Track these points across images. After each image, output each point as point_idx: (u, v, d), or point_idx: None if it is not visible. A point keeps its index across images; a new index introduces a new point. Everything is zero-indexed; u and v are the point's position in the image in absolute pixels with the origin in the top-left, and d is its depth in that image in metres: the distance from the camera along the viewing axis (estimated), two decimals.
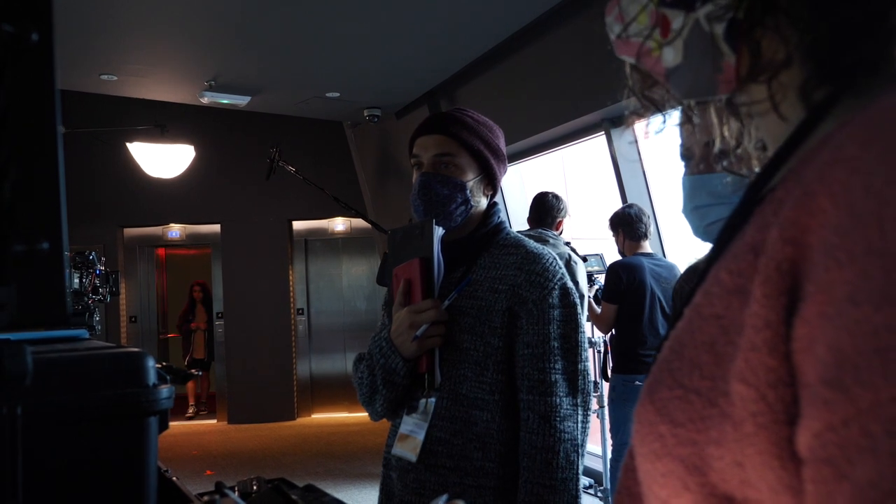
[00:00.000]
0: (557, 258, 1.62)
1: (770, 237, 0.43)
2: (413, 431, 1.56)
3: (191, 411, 9.57)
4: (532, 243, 1.64)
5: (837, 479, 0.34)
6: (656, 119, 0.63)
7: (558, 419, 1.49)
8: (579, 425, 1.52)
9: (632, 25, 0.58)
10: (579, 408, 1.52)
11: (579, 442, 1.51)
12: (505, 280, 1.56)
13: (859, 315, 0.35)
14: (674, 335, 0.51)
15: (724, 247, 0.50)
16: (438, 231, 1.56)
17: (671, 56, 0.56)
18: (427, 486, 1.52)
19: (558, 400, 1.50)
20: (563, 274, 1.58)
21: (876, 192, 0.37)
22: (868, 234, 0.36)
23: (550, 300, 1.53)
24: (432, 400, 1.55)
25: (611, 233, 4.22)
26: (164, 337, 10.44)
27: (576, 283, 3.57)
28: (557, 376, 1.51)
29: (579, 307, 1.60)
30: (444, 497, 0.61)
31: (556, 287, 1.55)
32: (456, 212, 1.61)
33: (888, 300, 0.34)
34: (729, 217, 0.51)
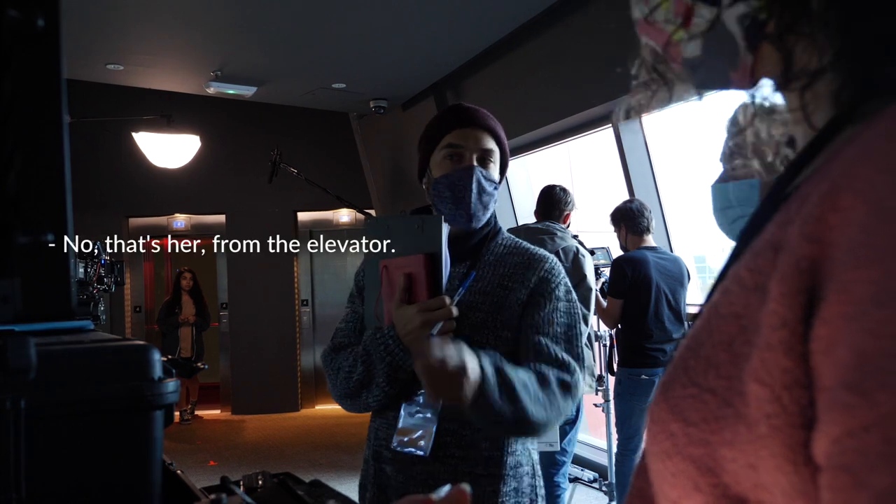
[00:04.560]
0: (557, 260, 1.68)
1: (790, 234, 0.41)
2: (418, 425, 1.55)
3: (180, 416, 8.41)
4: (528, 244, 1.68)
5: (856, 486, 0.33)
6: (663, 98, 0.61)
7: (544, 379, 1.50)
8: (566, 404, 1.52)
9: (657, 10, 0.56)
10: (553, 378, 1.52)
11: (563, 411, 1.51)
12: (514, 278, 1.59)
13: (883, 316, 0.33)
14: (691, 333, 0.50)
15: (746, 244, 0.48)
16: (446, 227, 1.55)
17: (691, 48, 0.55)
18: (438, 478, 1.52)
19: (545, 368, 1.51)
20: (564, 273, 1.65)
21: None
22: (894, 233, 0.35)
23: (557, 293, 1.59)
24: None
25: (612, 227, 4.22)
26: (149, 328, 9.27)
27: (583, 276, 3.56)
28: (558, 351, 1.53)
29: (582, 304, 1.63)
30: (447, 487, 0.60)
31: (562, 283, 1.62)
32: (490, 211, 1.64)
33: None
34: (752, 214, 0.50)
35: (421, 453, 1.53)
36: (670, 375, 0.50)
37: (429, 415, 1.54)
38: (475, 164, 1.59)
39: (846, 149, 0.42)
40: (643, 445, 0.54)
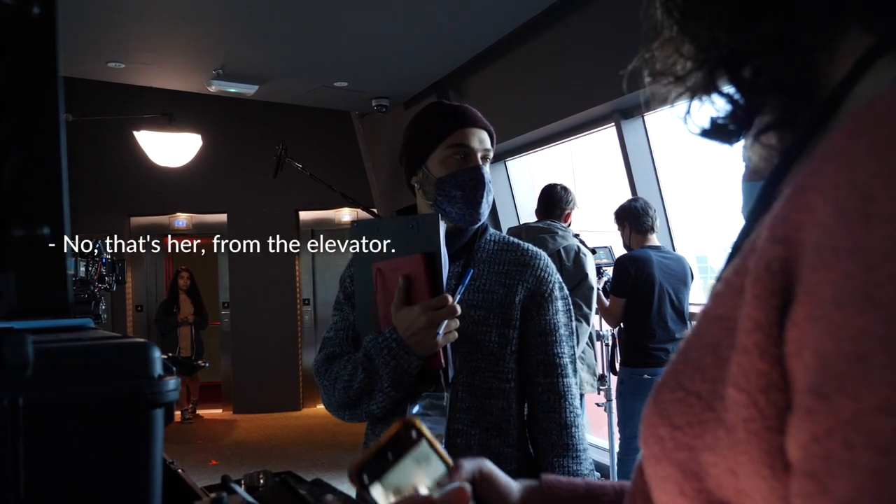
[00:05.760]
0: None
1: (761, 235, 0.41)
2: (428, 427, 1.53)
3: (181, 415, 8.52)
4: (516, 241, 1.70)
5: (820, 493, 0.32)
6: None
7: (571, 397, 1.62)
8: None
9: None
10: (574, 385, 1.66)
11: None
12: (512, 275, 1.61)
13: (842, 318, 0.33)
14: (685, 337, 0.50)
15: (740, 245, 0.48)
16: (443, 225, 1.53)
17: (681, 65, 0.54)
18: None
19: (569, 380, 1.63)
20: (555, 269, 1.71)
21: (861, 187, 0.35)
22: (854, 232, 0.34)
23: (555, 293, 1.63)
24: (448, 394, 1.52)
25: (616, 226, 4.21)
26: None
27: (585, 275, 3.55)
28: (566, 359, 1.62)
29: (584, 303, 1.67)
30: (418, 407, 0.60)
31: (556, 281, 1.66)
32: (488, 210, 1.67)
33: (871, 302, 0.32)
34: (747, 215, 0.49)
35: None
36: (663, 379, 0.50)
37: (438, 415, 1.52)
38: (483, 164, 1.62)
39: (817, 148, 0.42)
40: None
